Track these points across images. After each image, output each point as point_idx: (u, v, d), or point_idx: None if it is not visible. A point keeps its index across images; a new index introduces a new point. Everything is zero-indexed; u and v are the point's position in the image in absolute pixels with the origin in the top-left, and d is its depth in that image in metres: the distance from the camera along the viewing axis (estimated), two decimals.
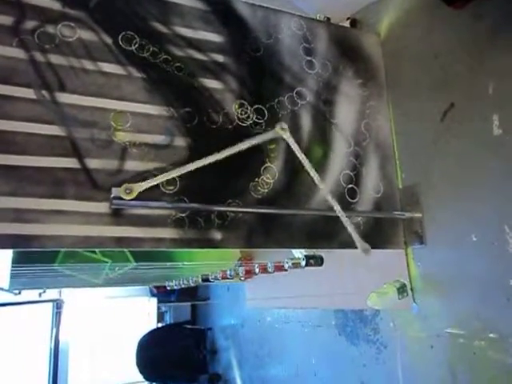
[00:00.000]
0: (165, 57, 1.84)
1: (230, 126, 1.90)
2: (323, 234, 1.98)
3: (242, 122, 1.92)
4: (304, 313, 3.18)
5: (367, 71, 2.32)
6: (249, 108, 1.95)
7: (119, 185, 1.55)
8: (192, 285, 3.45)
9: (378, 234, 2.10)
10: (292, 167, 1.97)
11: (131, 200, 1.53)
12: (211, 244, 1.76)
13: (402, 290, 2.02)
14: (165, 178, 1.66)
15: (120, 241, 1.60)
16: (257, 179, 1.89)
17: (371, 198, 2.12)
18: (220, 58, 1.96)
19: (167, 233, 1.68)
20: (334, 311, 2.79)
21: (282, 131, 1.87)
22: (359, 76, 2.28)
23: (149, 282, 4.88)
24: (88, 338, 6.16)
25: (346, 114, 2.18)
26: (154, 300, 6.04)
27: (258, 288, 4.00)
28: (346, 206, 2.05)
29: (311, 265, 2.22)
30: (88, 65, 1.69)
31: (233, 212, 1.79)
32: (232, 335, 4.88)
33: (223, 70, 1.96)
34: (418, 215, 2.08)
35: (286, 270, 2.39)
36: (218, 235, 1.76)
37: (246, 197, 1.85)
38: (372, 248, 2.06)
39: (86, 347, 6.12)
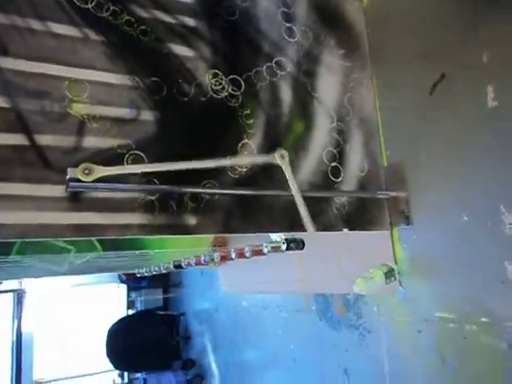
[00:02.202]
0: (127, 18, 1.61)
1: (203, 99, 1.70)
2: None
3: (217, 94, 1.73)
4: (282, 297, 3.07)
5: (350, 41, 2.16)
6: (223, 78, 1.76)
7: (77, 165, 1.34)
8: (163, 271, 3.27)
9: (362, 215, 1.98)
10: (272, 144, 1.81)
11: (91, 182, 1.33)
12: (185, 230, 1.58)
13: (389, 274, 1.92)
14: (136, 171, 1.46)
15: (80, 229, 1.40)
16: (234, 156, 1.71)
17: (355, 177, 1.99)
18: (191, 21, 1.75)
19: (134, 218, 1.49)
20: (315, 295, 2.69)
21: (281, 160, 1.68)
22: (341, 46, 2.12)
23: (118, 270, 4.66)
24: (54, 328, 5.89)
25: (328, 86, 2.02)
26: (124, 287, 5.82)
27: (232, 273, 3.86)
28: (330, 186, 1.91)
29: (292, 249, 2.08)
30: (35, 25, 1.44)
31: (208, 194, 1.62)
32: (206, 320, 4.76)
33: (194, 36, 1.74)
34: (404, 194, 1.97)
35: (264, 255, 2.25)
36: (192, 220, 1.58)
37: (222, 177, 1.67)
38: (357, 230, 1.95)
39: (52, 338, 5.86)
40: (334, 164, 1.94)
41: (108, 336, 4.90)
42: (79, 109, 1.46)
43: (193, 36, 1.74)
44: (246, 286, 3.65)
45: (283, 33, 1.96)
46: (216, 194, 1.62)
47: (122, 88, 1.55)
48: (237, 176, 1.70)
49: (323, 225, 1.86)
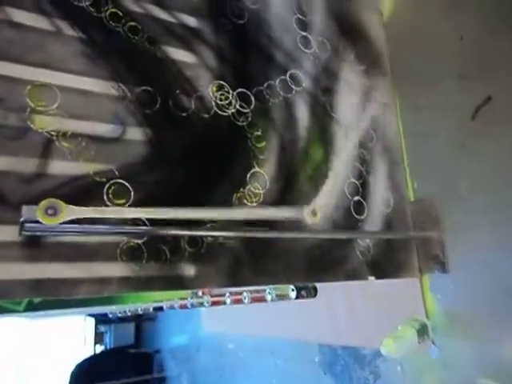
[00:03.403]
0: (113, 11, 1.27)
1: (206, 115, 1.36)
2: (328, 262, 1.50)
3: (222, 111, 1.40)
4: (278, 342, 2.69)
5: (370, 56, 1.89)
6: (230, 92, 1.43)
7: (39, 198, 0.97)
8: (140, 312, 2.85)
9: (389, 260, 1.66)
10: (287, 173, 1.48)
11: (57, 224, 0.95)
12: (180, 283, 1.21)
13: (422, 331, 1.60)
14: (122, 216, 1.11)
15: (39, 286, 1.02)
16: (242, 189, 1.37)
17: (380, 214, 1.68)
18: (192, 21, 1.42)
19: (115, 269, 1.12)
20: (319, 345, 2.33)
21: (313, 218, 1.25)
22: (361, 61, 1.84)
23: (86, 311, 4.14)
24: (11, 366, 5.27)
25: (348, 106, 1.73)
26: (91, 320, 5.27)
27: (218, 309, 3.46)
28: (353, 224, 1.59)
29: (303, 297, 1.74)
30: None
31: (211, 236, 1.26)
32: (185, 360, 4.28)
33: (196, 38, 1.42)
34: (438, 235, 1.67)
35: (266, 302, 1.89)
36: (190, 270, 1.22)
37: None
38: (384, 278, 1.63)
39: (8, 378, 5.22)
40: (356, 198, 1.63)
41: (72, 378, 4.35)
42: (44, 123, 1.10)
43: (194, 39, 1.41)
44: (234, 325, 3.24)
45: (298, 42, 1.66)
46: (220, 236, 1.27)
47: (103, 98, 1.20)
48: None
49: (346, 273, 1.53)
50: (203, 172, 1.32)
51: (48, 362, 5.14)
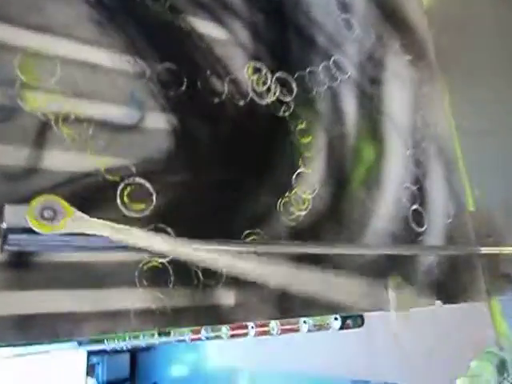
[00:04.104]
0: None
1: (242, 103, 1.10)
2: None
3: (260, 98, 1.13)
4: (301, 378, 2.36)
5: (415, 45, 1.65)
6: (268, 76, 1.17)
7: (28, 198, 0.68)
8: (143, 346, 2.51)
9: (455, 281, 1.39)
10: (338, 176, 1.21)
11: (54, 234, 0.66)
12: (217, 316, 0.92)
13: (501, 367, 1.31)
14: (148, 243, 0.83)
15: (28, 325, 0.72)
16: (288, 194, 1.09)
17: (442, 226, 1.41)
18: None
19: (133, 299, 0.82)
20: (352, 381, 2.01)
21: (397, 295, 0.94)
22: (407, 51, 1.60)
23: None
24: None
25: (397, 100, 1.48)
26: (83, 352, 4.83)
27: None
28: (413, 238, 1.32)
29: (348, 327, 1.45)
30: None
31: (254, 251, 0.97)
32: None
33: (227, 12, 1.17)
34: (508, 250, 1.40)
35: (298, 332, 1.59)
36: (229, 297, 0.93)
37: (272, 223, 1.04)
38: (452, 302, 1.35)
39: None
40: (415, 207, 1.35)
41: None
42: (39, 102, 0.82)
43: (225, 12, 1.16)
44: (246, 356, 2.90)
45: (340, 25, 1.42)
46: (267, 253, 0.98)
47: (115, 74, 0.93)
48: (293, 223, 1.07)
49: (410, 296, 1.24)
50: (240, 171, 1.05)
51: None
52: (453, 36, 1.68)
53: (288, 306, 0.99)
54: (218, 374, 3.29)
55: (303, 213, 1.09)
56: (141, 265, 0.84)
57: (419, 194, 1.38)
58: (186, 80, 1.02)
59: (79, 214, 0.70)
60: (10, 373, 4.48)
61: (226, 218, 0.98)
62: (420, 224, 1.34)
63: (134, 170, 0.89)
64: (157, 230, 0.87)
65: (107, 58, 0.93)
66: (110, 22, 0.96)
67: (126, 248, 0.76)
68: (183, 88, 1.01)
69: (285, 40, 1.26)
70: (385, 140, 1.37)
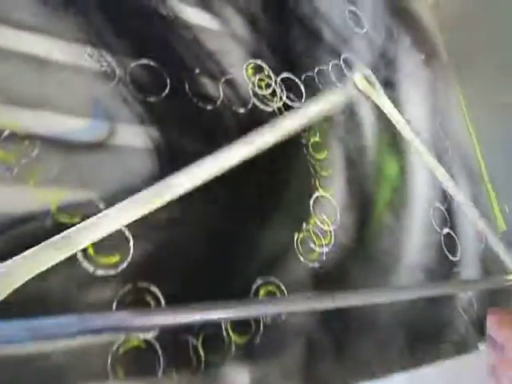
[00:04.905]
0: None
1: (242, 110, 0.85)
2: (428, 331, 0.98)
3: (264, 104, 0.89)
4: None
5: (427, 43, 1.46)
6: (272, 77, 0.93)
7: None
8: None
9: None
10: (361, 199, 0.98)
11: None
12: None
13: None
14: None
15: None
16: (305, 225, 0.85)
17: (475, 252, 1.20)
18: None
19: None
20: None
21: (366, 86, 0.80)
22: (420, 49, 1.40)
23: None
24: None
25: (415, 105, 1.27)
26: None
27: None
28: (448, 269, 1.09)
29: None
30: None
31: (271, 313, 0.72)
32: None
33: None
34: None
35: None
36: (241, 375, 0.67)
37: (289, 268, 0.79)
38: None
39: None
40: (446, 231, 1.13)
41: None
42: None
43: None
44: None
45: (348, 18, 1.20)
46: (287, 311, 0.73)
47: (72, 72, 0.67)
48: (315, 264, 0.82)
49: (452, 342, 1.01)
50: (243, 201, 0.79)
51: None
52: (461, 34, 1.50)
53: (317, 377, 0.74)
54: None
55: (326, 250, 0.85)
56: (115, 347, 0.57)
57: (449, 215, 1.17)
58: (169, 81, 0.76)
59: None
60: None
61: (228, 267, 0.72)
62: (453, 252, 1.12)
63: (101, 205, 0.62)
64: (137, 290, 0.60)
65: (59, 50, 0.67)
66: (66, 5, 0.70)
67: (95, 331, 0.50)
68: (166, 91, 0.75)
69: (287, 33, 1.02)
70: (406, 152, 1.15)
